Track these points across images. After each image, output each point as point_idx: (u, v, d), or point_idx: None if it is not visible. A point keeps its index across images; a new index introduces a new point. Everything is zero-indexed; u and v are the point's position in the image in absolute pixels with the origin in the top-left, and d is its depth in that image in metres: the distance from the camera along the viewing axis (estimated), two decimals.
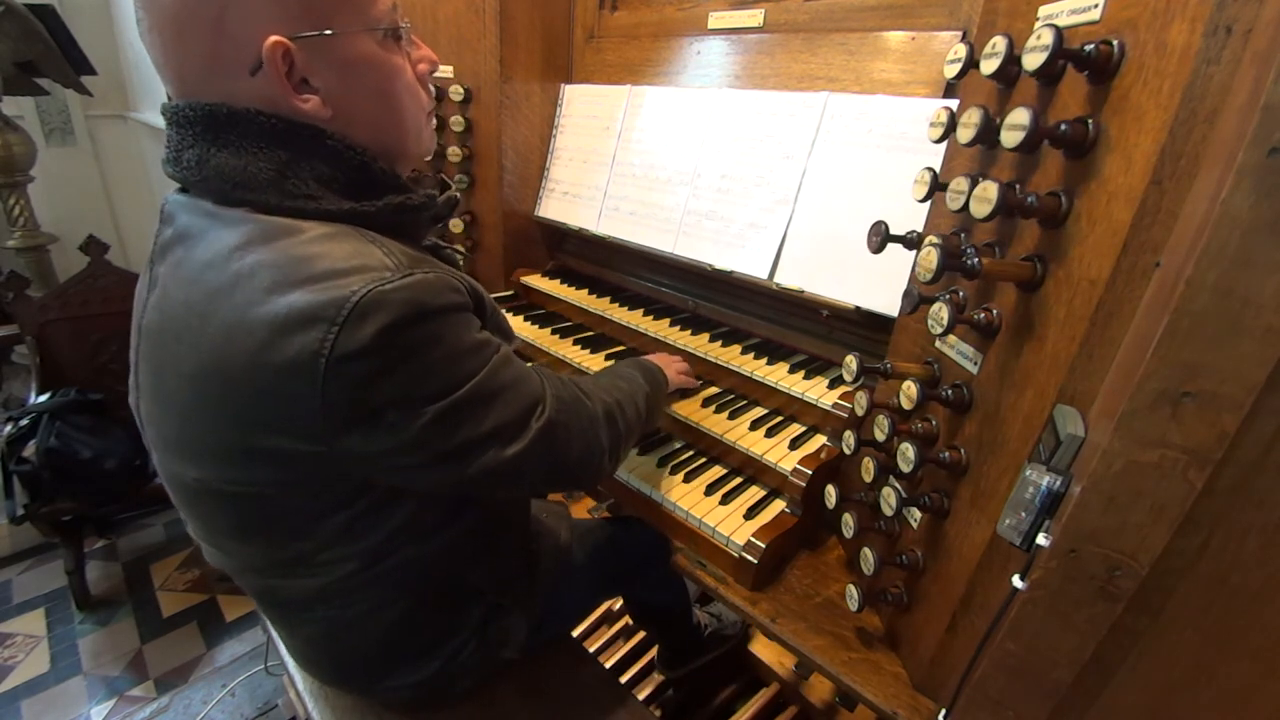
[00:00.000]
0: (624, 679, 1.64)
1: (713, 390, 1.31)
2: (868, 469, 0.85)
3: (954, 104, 0.79)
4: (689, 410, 1.23)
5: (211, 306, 0.63)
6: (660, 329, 1.39)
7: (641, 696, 1.58)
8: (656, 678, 1.62)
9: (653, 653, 1.68)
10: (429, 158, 0.82)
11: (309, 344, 0.59)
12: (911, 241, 0.81)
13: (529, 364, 0.82)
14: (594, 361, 1.41)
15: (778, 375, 1.20)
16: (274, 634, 1.12)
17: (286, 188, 0.65)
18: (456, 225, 1.70)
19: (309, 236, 0.63)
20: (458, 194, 0.86)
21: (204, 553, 0.85)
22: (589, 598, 1.22)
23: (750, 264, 1.25)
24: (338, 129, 0.68)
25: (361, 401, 0.62)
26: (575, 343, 1.51)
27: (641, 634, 1.75)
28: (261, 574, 0.82)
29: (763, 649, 1.67)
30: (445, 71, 1.58)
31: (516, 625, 0.98)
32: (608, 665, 1.68)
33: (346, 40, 0.67)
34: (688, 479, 1.17)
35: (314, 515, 0.72)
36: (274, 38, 0.61)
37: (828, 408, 1.11)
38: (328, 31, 0.65)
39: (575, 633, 1.78)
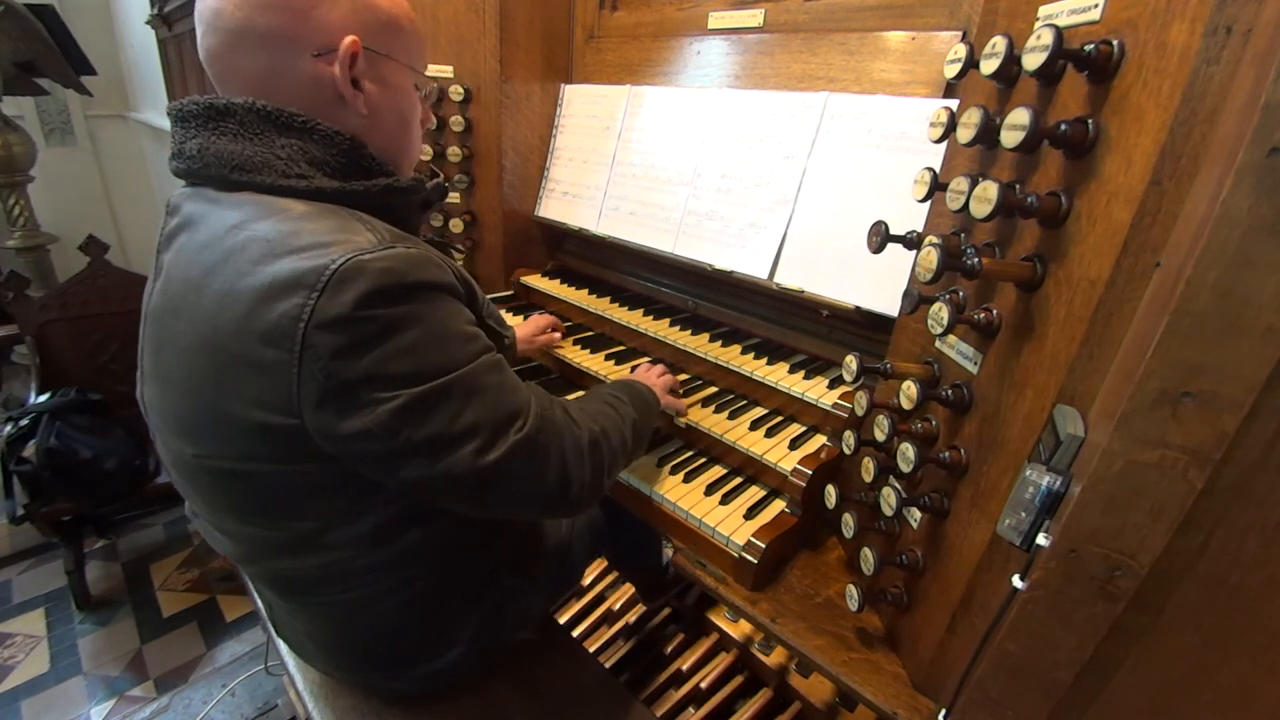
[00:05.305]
0: (623, 678, 1.64)
1: (712, 390, 1.31)
2: (868, 469, 0.85)
3: (954, 104, 0.79)
4: (689, 410, 1.23)
5: (206, 281, 0.66)
6: (660, 329, 1.39)
7: (643, 696, 1.58)
8: (659, 677, 1.62)
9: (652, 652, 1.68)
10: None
11: (290, 310, 0.60)
12: (911, 241, 0.81)
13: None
14: (594, 362, 1.41)
15: (778, 375, 1.20)
16: (274, 633, 1.11)
17: (280, 168, 0.69)
18: (456, 225, 1.70)
19: (298, 212, 0.67)
20: (445, 182, 0.91)
21: (213, 543, 0.86)
22: (591, 554, 1.24)
23: (750, 264, 1.25)
24: (361, 131, 0.76)
25: (335, 374, 0.62)
26: (575, 343, 1.51)
27: (639, 634, 1.75)
28: (268, 558, 0.82)
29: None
30: (445, 71, 1.58)
31: (531, 605, 1.00)
32: (607, 665, 1.68)
33: (396, 68, 0.79)
34: (688, 479, 1.16)
35: (306, 496, 0.72)
36: (353, 37, 0.72)
37: (828, 408, 1.11)
38: (388, 54, 0.77)
39: (575, 632, 1.78)
